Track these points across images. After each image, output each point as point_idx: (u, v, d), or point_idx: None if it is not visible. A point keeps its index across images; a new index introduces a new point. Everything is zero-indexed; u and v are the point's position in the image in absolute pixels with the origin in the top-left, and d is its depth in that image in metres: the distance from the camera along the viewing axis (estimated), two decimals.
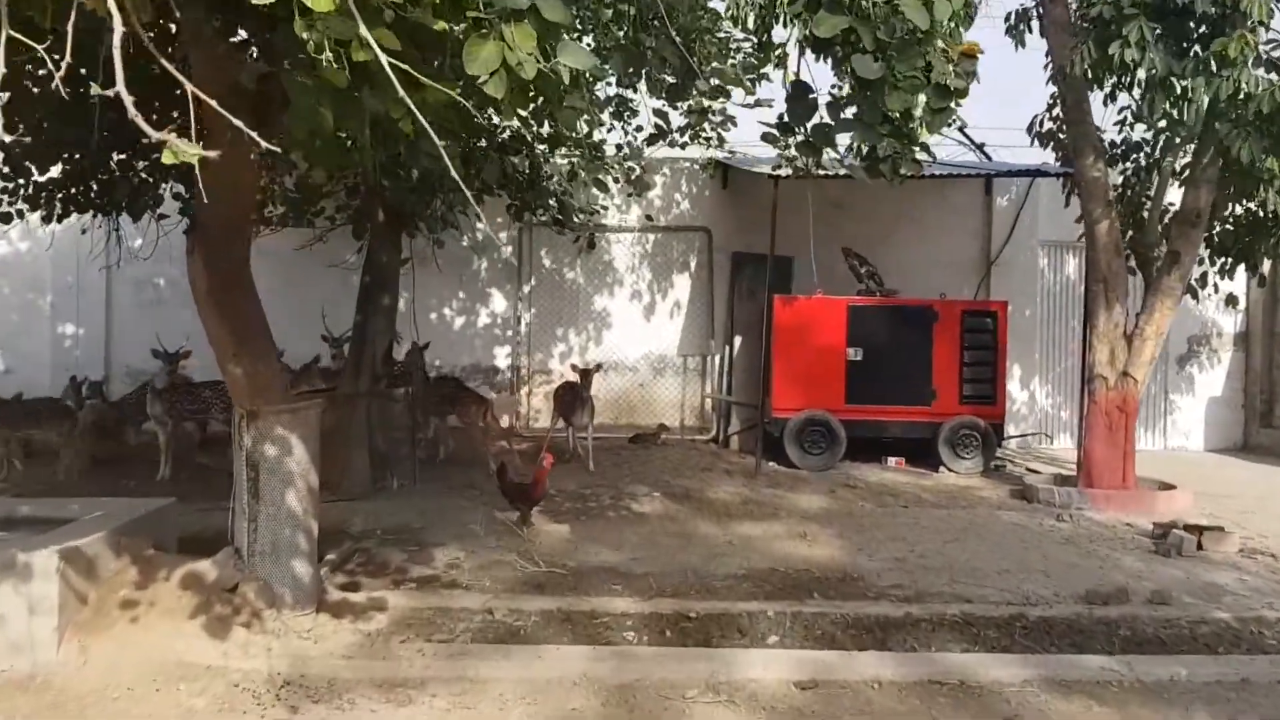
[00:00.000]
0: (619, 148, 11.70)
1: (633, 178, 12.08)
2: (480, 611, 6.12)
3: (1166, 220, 10.37)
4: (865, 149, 5.61)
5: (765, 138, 5.62)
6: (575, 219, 11.27)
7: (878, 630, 6.05)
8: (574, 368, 11.17)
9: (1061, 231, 13.62)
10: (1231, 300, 11.58)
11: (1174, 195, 10.78)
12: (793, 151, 5.66)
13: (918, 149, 6.41)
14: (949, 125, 8.73)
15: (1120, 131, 11.14)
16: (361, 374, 9.40)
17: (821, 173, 8.14)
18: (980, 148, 13.81)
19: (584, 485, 9.81)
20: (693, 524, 8.50)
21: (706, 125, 13.02)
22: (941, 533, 8.44)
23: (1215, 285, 10.75)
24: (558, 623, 6.03)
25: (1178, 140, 10.45)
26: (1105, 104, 10.34)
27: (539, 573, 6.92)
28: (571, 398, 11.06)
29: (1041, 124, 11.63)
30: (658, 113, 8.15)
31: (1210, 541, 7.88)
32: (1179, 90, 8.35)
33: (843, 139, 5.83)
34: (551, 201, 10.21)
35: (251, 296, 5.65)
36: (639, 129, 11.33)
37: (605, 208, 12.72)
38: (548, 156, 10.31)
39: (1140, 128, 11.33)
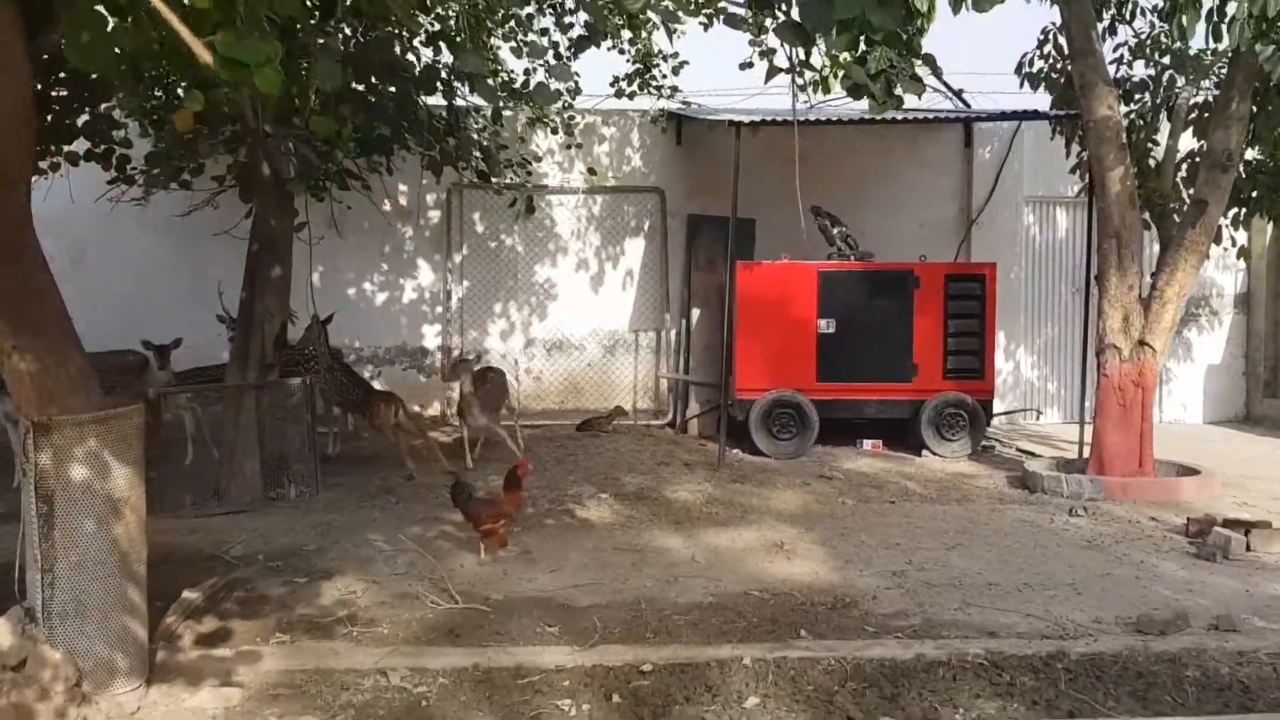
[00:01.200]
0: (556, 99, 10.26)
1: (569, 127, 10.63)
2: (371, 673, 4.70)
3: (1182, 166, 9.12)
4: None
5: (729, 20, 4.18)
6: (506, 173, 9.80)
7: (885, 682, 4.70)
8: (448, 353, 9.75)
9: (1048, 186, 12.44)
10: (1244, 254, 10.39)
11: (1185, 140, 9.57)
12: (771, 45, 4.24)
13: (918, 62, 5.07)
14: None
15: (1117, 70, 9.89)
16: (249, 361, 7.90)
17: (787, 119, 6.71)
18: (958, 94, 12.49)
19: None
20: (648, 534, 7.12)
21: (656, 72, 11.70)
22: (940, 535, 7.15)
23: (1232, 239, 9.53)
24: (472, 686, 4.62)
25: (1189, 76, 9.22)
26: (1102, 39, 9.06)
27: (454, 611, 5.51)
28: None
29: (1031, 63, 10.36)
30: (587, 6, 6.62)
31: (1260, 541, 6.65)
32: (1211, 8, 7.06)
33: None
34: (476, 152, 8.69)
35: (36, 268, 4.14)
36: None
37: (539, 157, 11.24)
38: (466, 100, 8.81)
39: (1140, 65, 10.14)
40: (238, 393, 7.86)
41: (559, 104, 10.79)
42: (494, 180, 9.41)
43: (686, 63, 11.57)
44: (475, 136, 8.84)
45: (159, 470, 7.58)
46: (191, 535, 7.06)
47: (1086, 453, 9.47)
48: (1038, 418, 12.56)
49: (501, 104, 9.45)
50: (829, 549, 6.77)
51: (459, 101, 8.49)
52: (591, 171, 10.84)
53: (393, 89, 7.10)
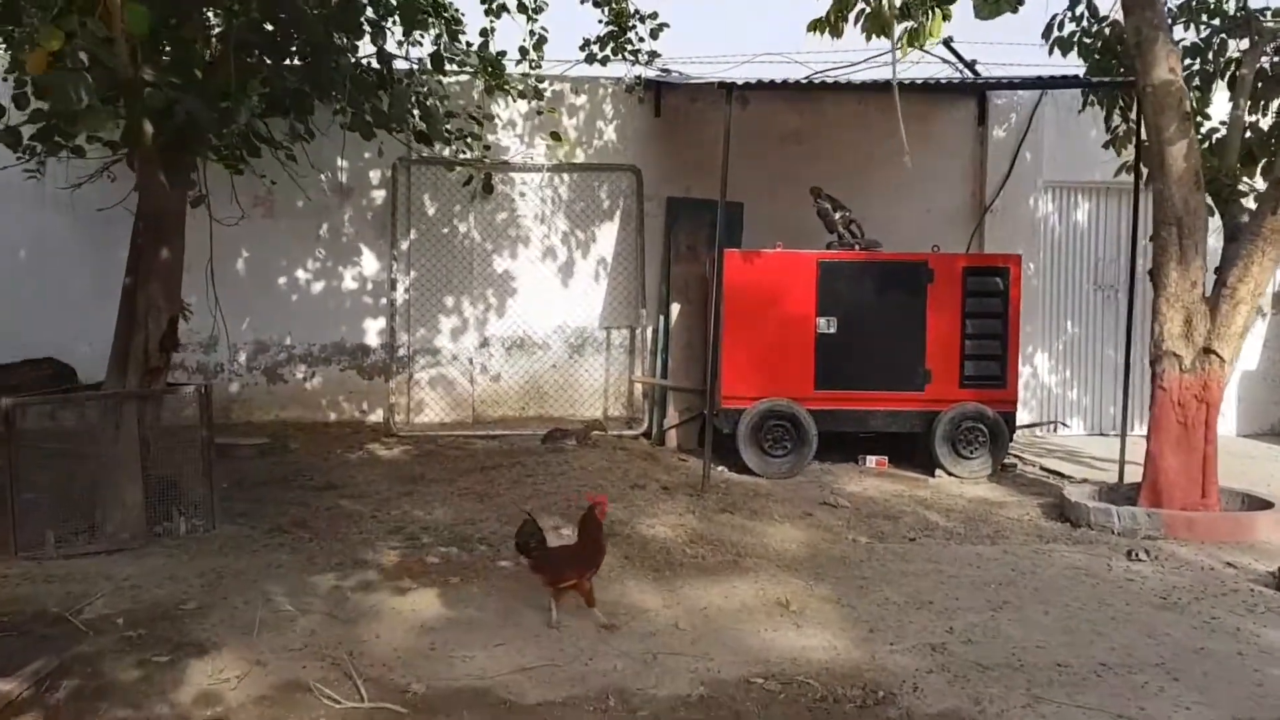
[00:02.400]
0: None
1: (537, 92, 9.18)
2: None
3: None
4: None
5: None
6: (457, 143, 8.36)
7: None
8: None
9: (1069, 170, 11.14)
10: None
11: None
12: None
13: None
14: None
15: None
16: (130, 364, 6.42)
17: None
18: (971, 66, 11.13)
19: (467, 517, 6.96)
20: (620, 586, 5.71)
21: (632, 35, 10.26)
22: (980, 589, 5.78)
23: None
24: None
25: (1254, 38, 7.93)
26: None
27: (356, 713, 4.07)
28: None
29: (1061, 25, 9.03)
30: None
31: None
32: None
33: None
34: (413, 110, 7.17)
35: None
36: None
37: (490, 116, 9.74)
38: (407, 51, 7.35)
39: (1179, 30, 8.83)
40: (116, 403, 6.37)
41: (521, 65, 9.33)
42: (438, 147, 7.94)
43: (666, 25, 10.15)
44: (413, 91, 7.32)
45: (14, 498, 6.10)
46: (45, 585, 5.61)
47: (1129, 475, 8.20)
48: (1054, 429, 11.21)
49: (450, 61, 7.98)
50: (846, 610, 5.38)
51: (395, 55, 7.01)
52: (555, 137, 9.33)
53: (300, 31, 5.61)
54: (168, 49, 6.65)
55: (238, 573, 5.79)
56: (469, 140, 9.14)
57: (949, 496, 8.27)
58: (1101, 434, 11.38)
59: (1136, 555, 6.46)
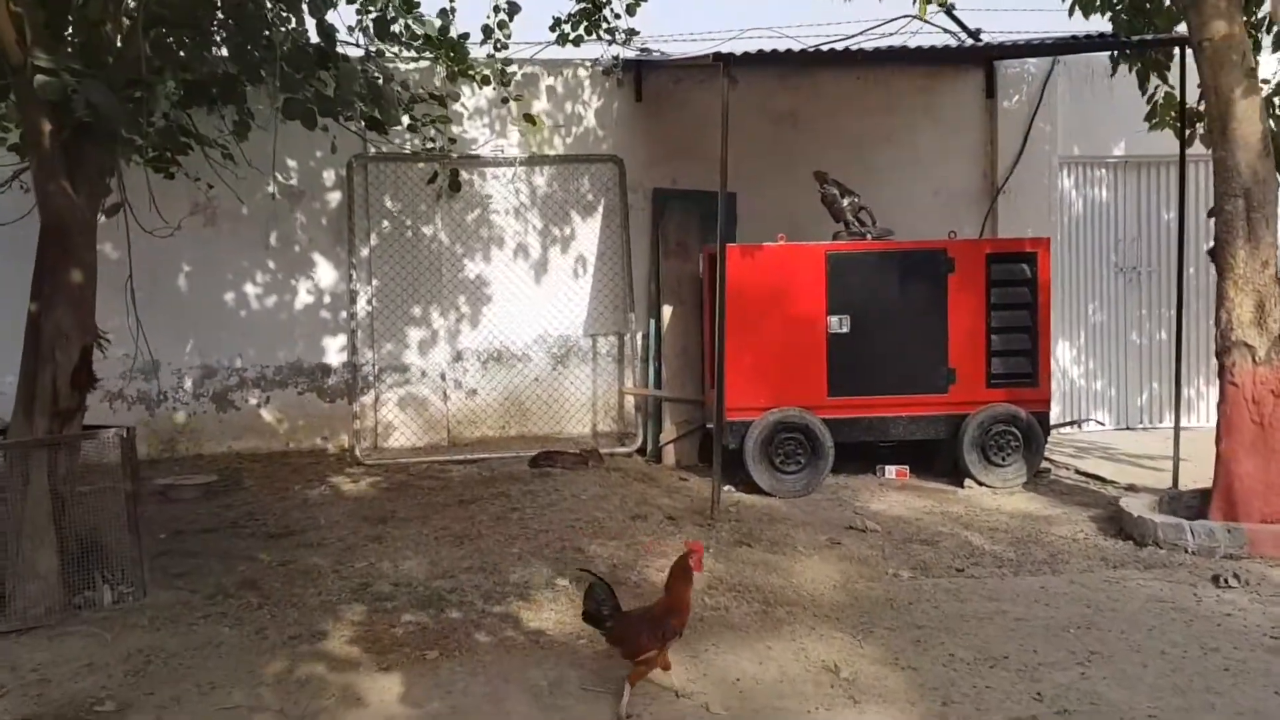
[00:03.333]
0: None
1: (504, 76, 8.22)
2: None
3: None
4: None
5: None
6: (416, 133, 7.40)
7: None
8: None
9: (1086, 144, 10.31)
10: None
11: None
12: None
13: None
14: None
15: None
16: (36, 405, 5.40)
17: None
18: (975, 35, 10.22)
19: (444, 568, 5.97)
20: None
21: (607, 11, 9.33)
22: (1058, 636, 4.88)
23: None
24: None
25: None
26: None
27: None
28: None
29: None
30: None
31: None
32: None
33: None
34: (359, 91, 6.14)
35: None
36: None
37: (456, 96, 8.72)
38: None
39: None
40: (22, 454, 5.35)
41: (486, 45, 8.36)
42: (400, 140, 6.97)
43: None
44: (362, 72, 6.30)
45: None
46: None
47: (1185, 477, 7.36)
48: (1079, 427, 10.34)
49: (404, 37, 6.98)
50: (908, 674, 4.45)
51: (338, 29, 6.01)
52: (529, 120, 8.25)
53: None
54: (70, 31, 5.65)
55: (170, 656, 4.79)
56: (434, 129, 8.18)
57: (986, 512, 7.37)
58: (1129, 428, 10.54)
59: (1225, 581, 5.57)
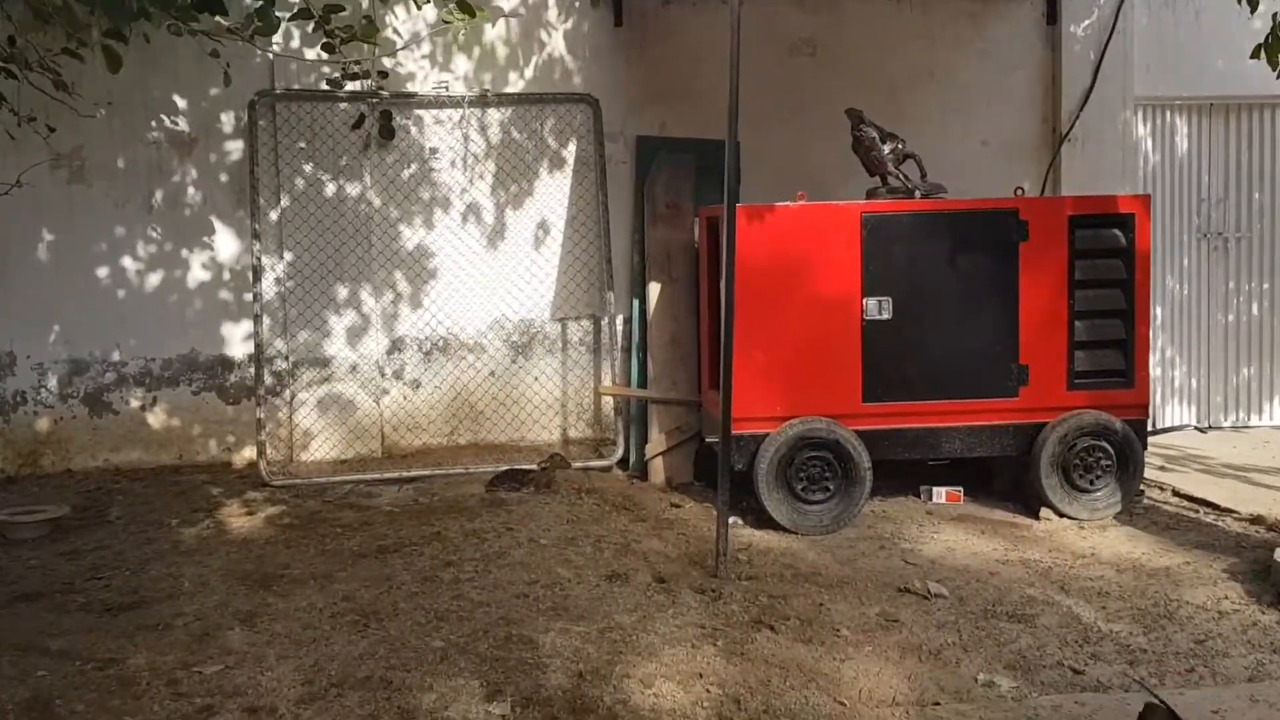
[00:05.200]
0: None
1: None
2: None
3: None
4: None
5: None
6: (332, 36, 5.48)
7: None
8: None
9: (1168, 82, 8.40)
10: None
11: None
12: None
13: None
14: None
15: None
16: None
17: None
18: None
19: (328, 680, 4.06)
20: None
21: None
22: None
23: None
24: None
25: None
26: None
27: None
28: None
29: None
30: None
31: None
32: None
33: None
34: None
35: None
36: None
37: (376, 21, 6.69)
38: None
39: None
40: None
41: None
42: (272, 47, 5.00)
43: None
44: None
45: None
46: None
47: None
48: (1152, 422, 8.49)
49: None
50: None
51: None
52: (465, 10, 5.98)
53: None
54: None
55: None
56: (358, 56, 6.24)
57: (1080, 560, 5.54)
58: (1212, 425, 8.70)
59: None
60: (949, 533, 6.08)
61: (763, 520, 6.19)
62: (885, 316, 6.26)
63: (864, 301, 6.24)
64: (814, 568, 5.43)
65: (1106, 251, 6.37)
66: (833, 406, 6.23)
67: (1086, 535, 6.02)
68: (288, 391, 7.66)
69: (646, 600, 4.84)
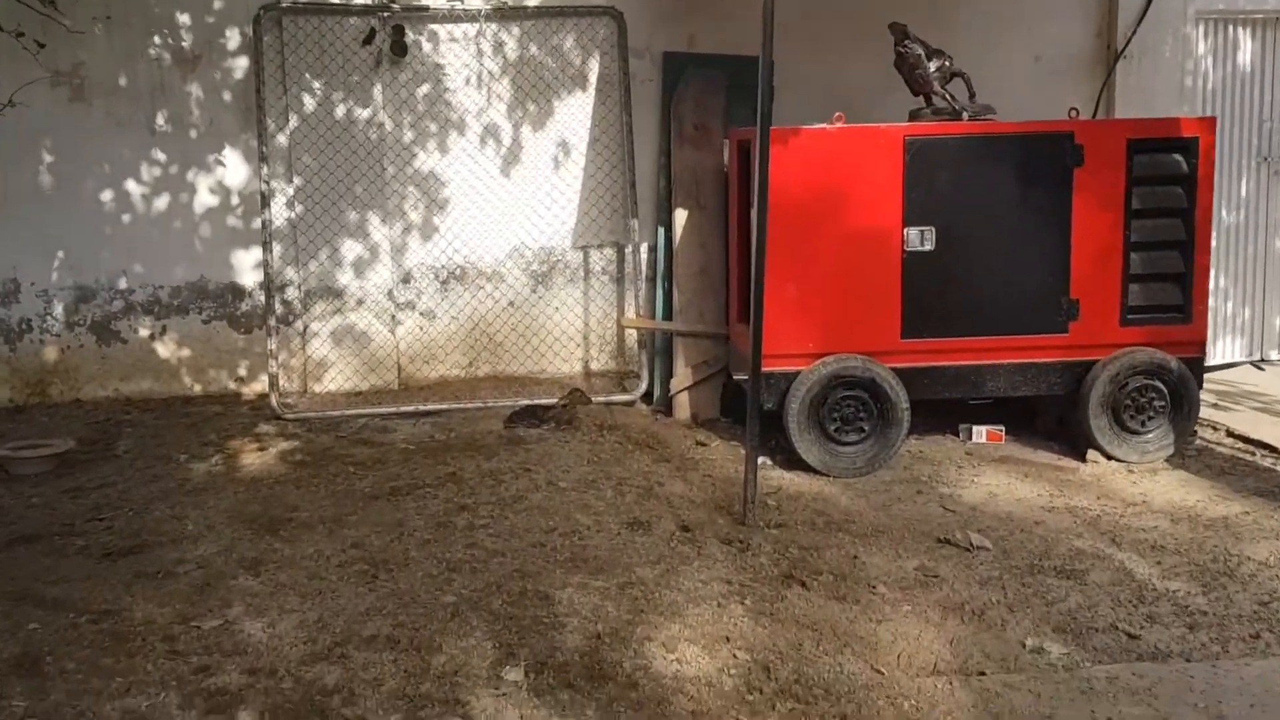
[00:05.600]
0: None
1: None
2: None
3: None
4: None
5: None
6: None
7: None
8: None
9: None
10: None
11: None
12: None
13: None
14: None
15: None
16: None
17: None
18: None
19: (336, 635, 3.84)
20: None
21: None
22: None
23: None
24: None
25: None
26: None
27: None
28: None
29: None
30: None
31: None
32: None
33: None
34: None
35: None
36: None
37: None
38: None
39: None
40: None
41: None
42: None
43: None
44: None
45: None
46: None
47: None
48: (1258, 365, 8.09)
49: None
50: None
51: None
52: None
53: None
54: None
55: None
56: None
57: (1131, 509, 5.22)
58: (1265, 359, 8.29)
59: None
60: (990, 476, 5.77)
61: (793, 461, 5.90)
62: (927, 247, 5.87)
63: (905, 231, 5.85)
64: (847, 514, 5.15)
65: (1167, 178, 5.93)
66: (869, 343, 5.89)
67: (1136, 480, 5.69)
68: (300, 321, 7.38)
69: (670, 551, 4.57)
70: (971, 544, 4.71)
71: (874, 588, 4.25)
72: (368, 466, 5.80)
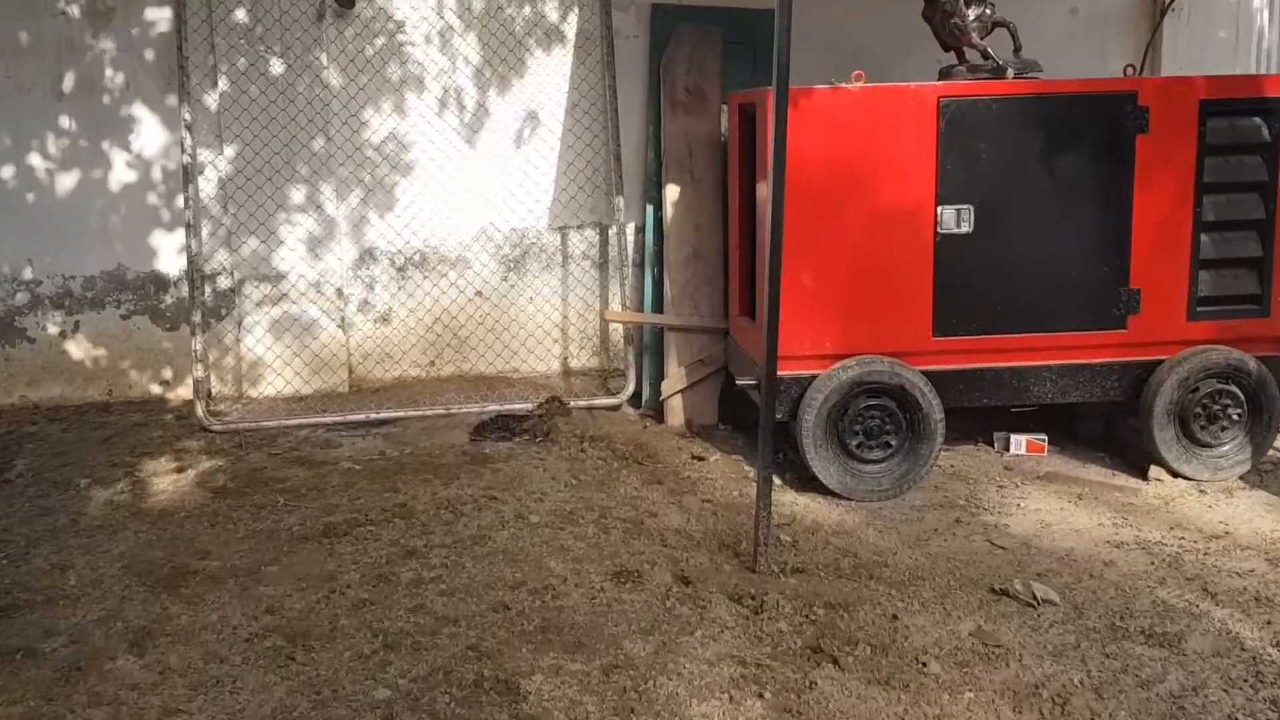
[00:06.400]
0: None
1: None
2: None
3: None
4: None
5: None
6: None
7: None
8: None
9: None
10: None
11: None
12: None
13: None
14: None
15: None
16: None
17: None
18: None
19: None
20: None
21: None
22: None
23: None
24: None
25: None
26: None
27: None
28: None
29: None
30: None
31: None
32: None
33: None
34: None
35: None
36: None
37: None
38: None
39: None
40: None
41: None
42: None
43: None
44: None
45: None
46: None
47: None
48: None
49: None
50: None
51: None
52: None
53: None
54: None
55: None
56: None
57: (1214, 542, 4.35)
58: None
59: None
60: (1038, 499, 4.90)
61: (805, 479, 5.02)
62: (964, 229, 4.95)
63: (939, 211, 4.93)
64: (878, 554, 4.26)
65: (1245, 146, 5.02)
66: (896, 342, 4.99)
67: (1212, 504, 4.83)
68: (234, 315, 6.43)
69: (666, 614, 3.67)
70: (1035, 597, 3.83)
71: (924, 664, 3.36)
72: (301, 495, 4.87)
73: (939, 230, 4.95)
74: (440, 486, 4.90)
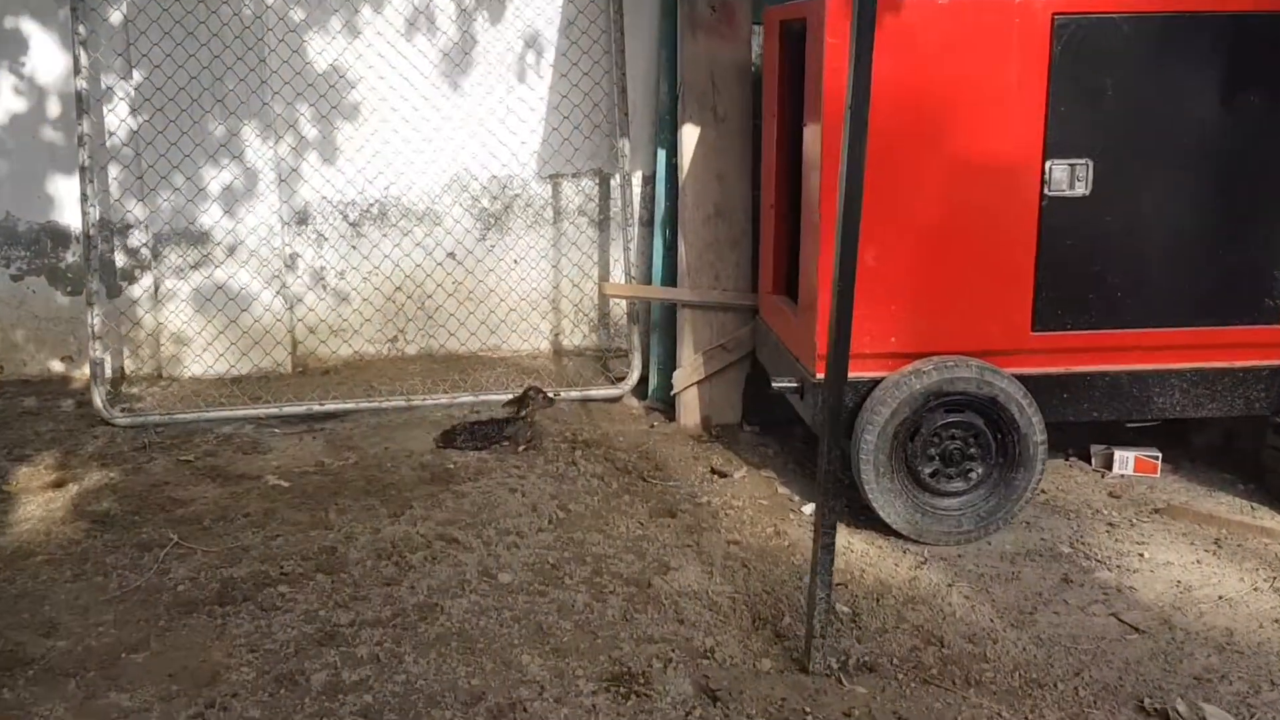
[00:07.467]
0: None
1: None
2: None
3: None
4: None
5: None
6: None
7: None
8: None
9: None
10: None
11: None
12: None
13: None
14: None
15: None
16: None
17: None
18: None
19: None
20: None
21: None
22: None
23: None
24: None
25: None
26: None
27: None
28: None
29: None
30: None
31: None
32: None
33: None
34: None
35: None
36: None
37: None
38: None
39: None
40: None
41: None
42: None
43: None
44: None
45: None
46: None
47: None
48: None
49: None
50: None
51: None
52: None
53: None
54: None
55: None
56: None
57: None
58: None
59: None
60: (1164, 545, 3.76)
61: (857, 508, 3.87)
62: (1080, 191, 3.74)
63: (1047, 166, 3.71)
64: (971, 638, 3.12)
65: None
66: (983, 338, 3.81)
67: None
68: (148, 278, 5.24)
69: None
70: None
71: None
72: (203, 529, 3.73)
73: (1046, 191, 3.73)
74: (386, 520, 3.75)
